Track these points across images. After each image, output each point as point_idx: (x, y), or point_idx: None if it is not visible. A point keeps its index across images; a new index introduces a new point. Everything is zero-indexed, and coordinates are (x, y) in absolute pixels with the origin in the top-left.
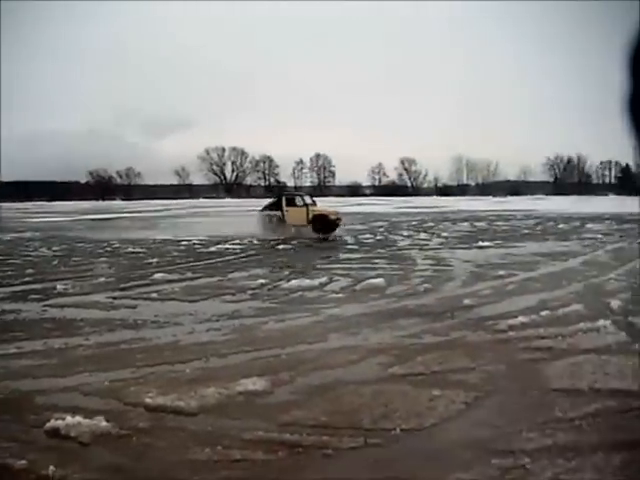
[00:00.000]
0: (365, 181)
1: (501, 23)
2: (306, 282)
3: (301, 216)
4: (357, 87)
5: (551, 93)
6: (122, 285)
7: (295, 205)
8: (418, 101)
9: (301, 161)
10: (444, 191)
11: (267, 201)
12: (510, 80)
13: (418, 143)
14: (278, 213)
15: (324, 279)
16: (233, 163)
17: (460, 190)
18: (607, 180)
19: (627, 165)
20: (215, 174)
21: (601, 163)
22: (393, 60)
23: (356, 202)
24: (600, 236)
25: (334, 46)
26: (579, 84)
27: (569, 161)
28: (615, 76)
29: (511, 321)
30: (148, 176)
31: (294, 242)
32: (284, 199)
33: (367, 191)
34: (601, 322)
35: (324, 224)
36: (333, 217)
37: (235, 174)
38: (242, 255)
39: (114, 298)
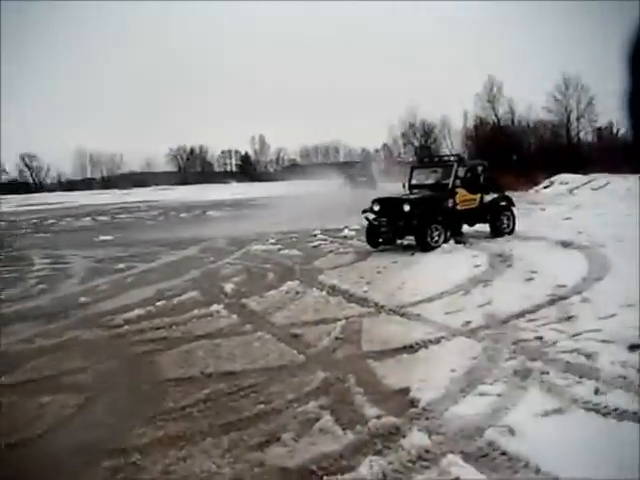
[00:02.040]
0: None
1: None
2: None
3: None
4: None
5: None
6: None
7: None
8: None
9: None
10: (69, 187)
11: None
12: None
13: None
14: None
15: None
16: None
17: (85, 185)
18: (228, 168)
19: (246, 153)
20: None
21: (222, 152)
22: None
23: None
24: (219, 223)
25: None
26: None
27: (192, 151)
28: None
29: (127, 315)
30: None
31: None
32: None
33: None
34: (214, 307)
35: None
36: None
37: None
38: None
39: None
